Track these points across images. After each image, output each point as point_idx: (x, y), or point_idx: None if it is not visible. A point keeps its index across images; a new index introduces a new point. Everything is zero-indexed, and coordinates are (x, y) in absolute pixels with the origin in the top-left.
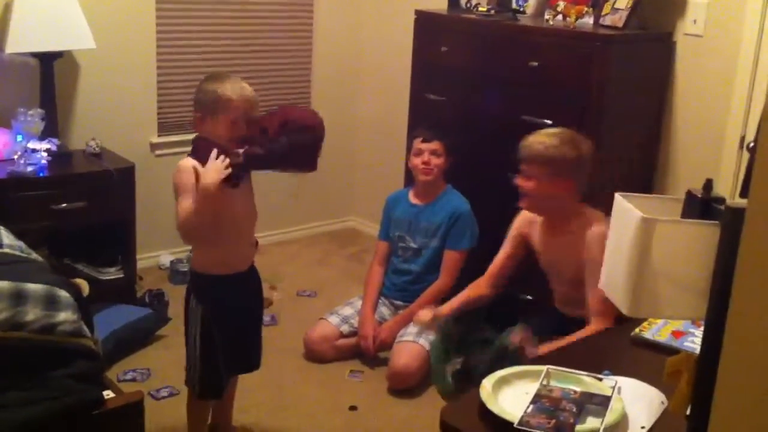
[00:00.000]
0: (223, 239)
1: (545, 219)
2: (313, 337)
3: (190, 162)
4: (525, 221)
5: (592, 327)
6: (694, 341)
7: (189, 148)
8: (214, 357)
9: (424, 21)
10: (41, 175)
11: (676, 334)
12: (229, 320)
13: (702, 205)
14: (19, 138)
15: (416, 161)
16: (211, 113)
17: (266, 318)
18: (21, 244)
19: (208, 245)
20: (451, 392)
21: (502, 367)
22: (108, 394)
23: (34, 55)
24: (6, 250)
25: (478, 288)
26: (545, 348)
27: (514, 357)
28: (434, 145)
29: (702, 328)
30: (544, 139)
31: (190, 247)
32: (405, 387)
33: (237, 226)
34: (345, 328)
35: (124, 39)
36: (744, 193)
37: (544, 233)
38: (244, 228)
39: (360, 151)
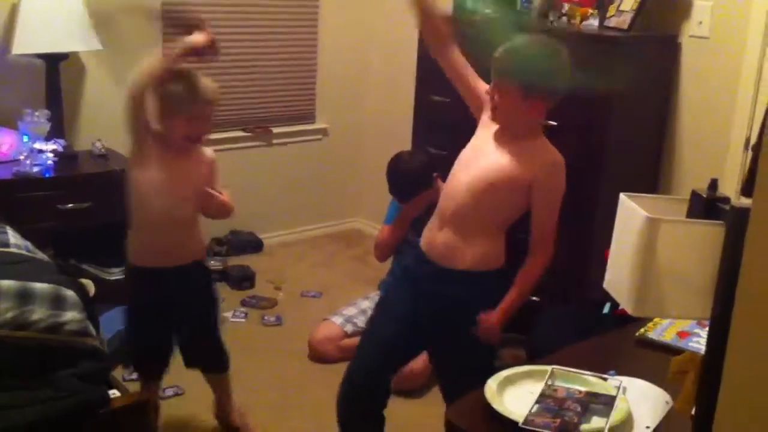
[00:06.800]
0: (139, 225)
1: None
2: (317, 337)
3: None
4: None
5: (539, 259)
6: (699, 342)
7: None
8: (130, 329)
9: None
10: (47, 175)
11: (682, 334)
12: (146, 317)
13: (707, 205)
14: (26, 139)
15: None
16: (167, 112)
17: (271, 318)
18: (27, 243)
19: (133, 229)
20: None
21: None
22: (114, 393)
23: (40, 56)
24: (12, 249)
25: None
26: (497, 315)
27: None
28: None
29: (707, 329)
30: (520, 49)
31: None
32: (410, 388)
33: (152, 214)
34: (349, 328)
35: (130, 40)
36: (744, 192)
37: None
38: (162, 219)
39: (365, 152)
